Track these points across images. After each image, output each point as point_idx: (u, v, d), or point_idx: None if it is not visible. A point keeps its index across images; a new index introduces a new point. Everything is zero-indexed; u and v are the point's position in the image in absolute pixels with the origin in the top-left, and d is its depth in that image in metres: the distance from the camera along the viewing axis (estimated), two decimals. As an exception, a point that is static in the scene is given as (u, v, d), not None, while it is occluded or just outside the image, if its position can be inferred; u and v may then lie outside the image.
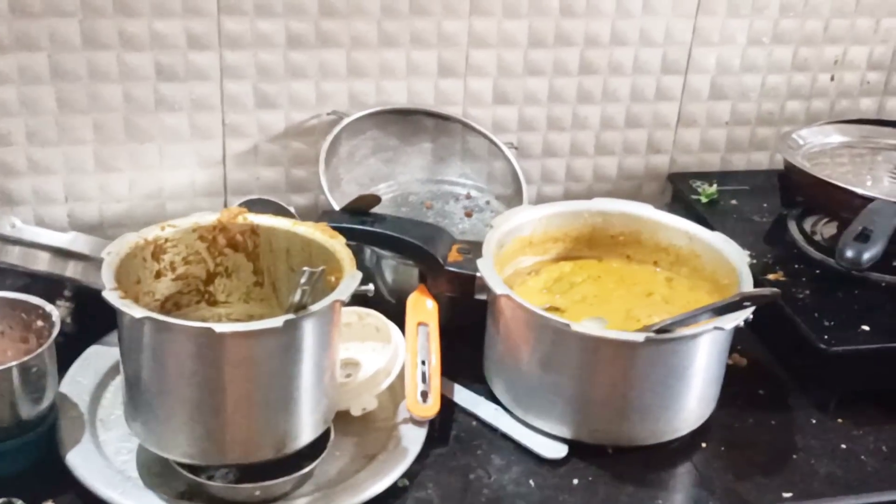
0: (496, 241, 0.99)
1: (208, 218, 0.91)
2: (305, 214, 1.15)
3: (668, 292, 1.03)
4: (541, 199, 1.26)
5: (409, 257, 1.00)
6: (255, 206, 1.12)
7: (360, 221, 0.99)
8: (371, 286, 0.86)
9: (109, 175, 1.14)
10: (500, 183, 1.19)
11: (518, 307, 0.90)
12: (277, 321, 0.76)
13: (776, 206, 1.22)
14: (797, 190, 1.16)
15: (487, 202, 1.18)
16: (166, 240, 0.88)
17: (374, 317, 1.00)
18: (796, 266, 1.10)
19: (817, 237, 1.16)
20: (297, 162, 1.19)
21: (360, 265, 0.88)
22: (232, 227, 0.91)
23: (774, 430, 0.97)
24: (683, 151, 1.30)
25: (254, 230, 0.91)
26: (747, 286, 0.93)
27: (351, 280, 0.82)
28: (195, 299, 0.93)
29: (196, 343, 0.76)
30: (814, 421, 0.98)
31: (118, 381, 0.96)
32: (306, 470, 0.84)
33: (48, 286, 0.97)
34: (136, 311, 0.75)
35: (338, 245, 0.88)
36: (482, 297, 0.97)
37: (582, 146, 1.26)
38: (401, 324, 0.98)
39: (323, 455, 0.86)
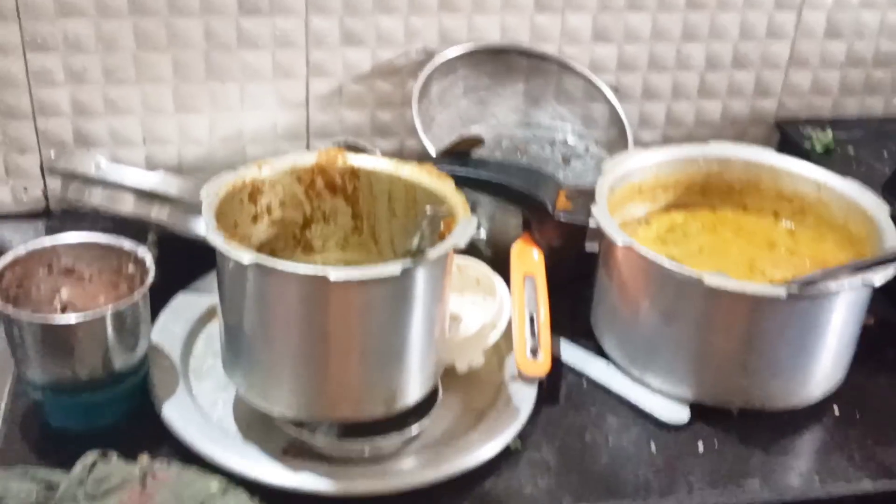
0: (608, 187, 0.92)
1: (307, 158, 0.84)
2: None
3: (792, 243, 0.95)
4: (638, 146, 1.18)
5: (515, 204, 0.93)
6: (340, 149, 1.06)
7: (461, 165, 0.93)
8: (483, 232, 0.79)
9: (189, 116, 1.08)
10: (598, 127, 1.11)
11: (641, 258, 0.83)
12: (395, 268, 0.69)
13: (896, 152, 1.14)
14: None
15: (587, 148, 1.11)
16: (264, 181, 0.82)
17: (475, 267, 0.93)
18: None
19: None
20: (382, 104, 1.12)
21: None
22: (331, 168, 0.85)
23: (907, 394, 0.90)
24: (792, 95, 1.21)
25: (354, 172, 0.85)
26: (892, 240, 0.85)
27: (467, 224, 0.76)
28: (290, 245, 0.87)
29: (308, 290, 0.70)
30: (949, 384, 0.91)
31: (210, 330, 0.91)
32: (417, 431, 0.78)
33: (132, 230, 0.92)
34: (245, 256, 0.69)
35: (447, 188, 0.81)
36: (593, 247, 0.91)
37: (684, 88, 1.18)
38: (500, 275, 0.91)
39: (432, 413, 0.80)
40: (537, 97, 1.12)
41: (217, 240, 0.71)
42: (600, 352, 0.92)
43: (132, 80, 1.05)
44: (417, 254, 0.71)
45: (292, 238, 0.87)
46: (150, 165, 1.09)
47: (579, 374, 0.90)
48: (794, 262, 0.92)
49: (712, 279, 0.79)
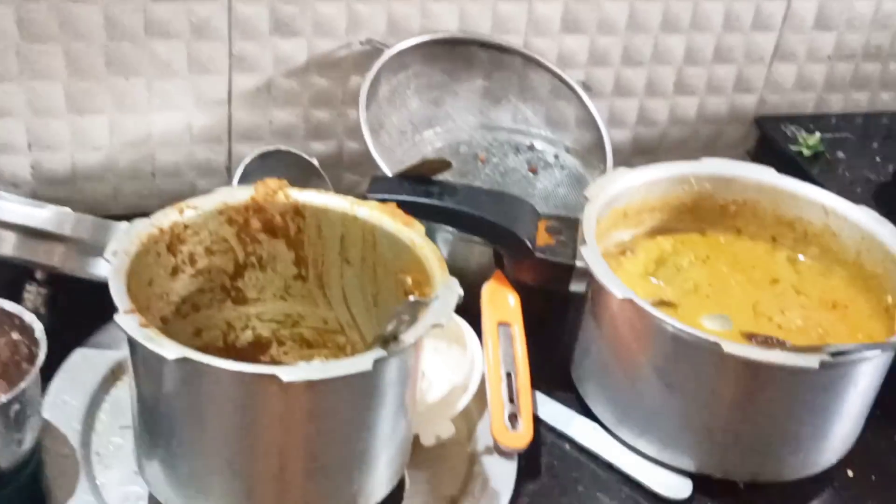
0: (595, 220, 0.79)
1: (239, 195, 0.68)
2: (328, 167, 0.93)
3: (796, 279, 0.84)
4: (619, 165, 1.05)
5: (489, 239, 0.79)
6: (270, 158, 0.90)
7: (424, 193, 0.78)
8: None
9: (84, 117, 0.90)
10: (568, 130, 0.97)
11: (643, 315, 0.70)
12: (365, 363, 0.55)
13: (888, 158, 1.04)
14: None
15: (556, 156, 0.97)
16: (185, 226, 0.66)
17: (438, 311, 0.79)
18: (935, 242, 0.92)
19: (941, 199, 0.98)
20: (319, 102, 0.96)
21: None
22: (270, 206, 0.69)
23: (928, 451, 0.80)
24: (774, 90, 1.09)
25: (298, 211, 0.69)
26: (919, 284, 0.75)
27: (448, 294, 0.61)
28: (218, 298, 0.71)
29: (251, 393, 0.55)
30: (971, 437, 0.82)
31: (116, 397, 0.75)
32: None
33: (11, 271, 0.75)
34: (169, 350, 0.54)
35: (416, 237, 0.67)
36: (579, 287, 0.78)
37: (660, 84, 1.05)
38: (467, 318, 0.78)
39: (399, 512, 0.67)
40: (499, 96, 0.97)
41: (129, 324, 0.55)
42: (583, 407, 0.79)
43: (14, 75, 0.86)
44: (391, 340, 0.56)
45: (221, 289, 0.71)
46: (38, 174, 0.91)
47: (560, 436, 0.78)
48: (802, 302, 0.81)
49: (732, 348, 0.66)
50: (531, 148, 0.97)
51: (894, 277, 0.78)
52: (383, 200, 0.73)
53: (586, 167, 0.95)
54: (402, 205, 0.73)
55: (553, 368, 0.82)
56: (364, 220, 0.69)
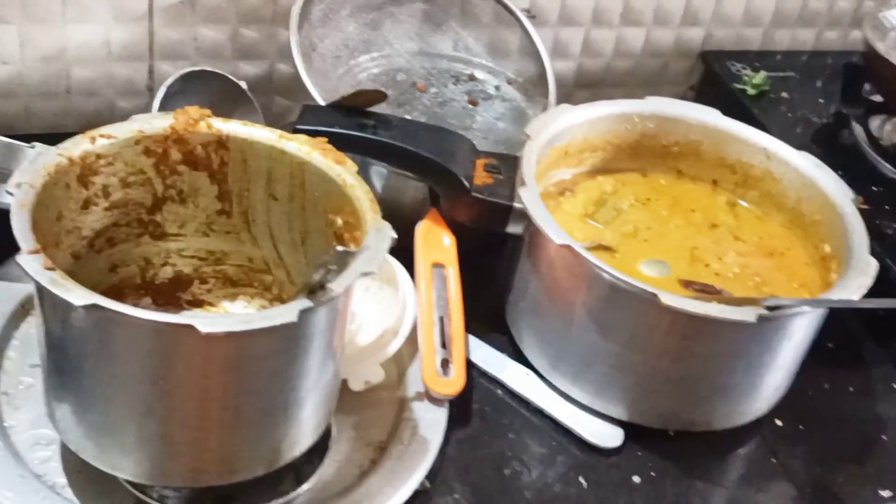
0: (535, 158, 0.76)
1: (158, 124, 0.63)
2: (257, 90, 0.88)
3: (735, 224, 0.82)
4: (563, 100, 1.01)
5: (425, 177, 0.75)
6: (195, 79, 0.85)
7: (357, 126, 0.74)
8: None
9: (-9, 28, 0.84)
10: (510, 60, 0.93)
11: (581, 262, 0.68)
12: (290, 313, 0.51)
13: (831, 99, 1.02)
14: (877, 86, 0.96)
15: (497, 87, 0.93)
16: (98, 156, 0.61)
17: (370, 249, 0.76)
18: (874, 189, 0.91)
19: (885, 143, 0.96)
20: (248, 20, 0.90)
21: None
22: (191, 136, 0.64)
23: (854, 400, 0.80)
24: (721, 24, 1.06)
25: (221, 142, 0.65)
26: (859, 234, 0.73)
27: (379, 239, 0.58)
28: (135, 232, 0.67)
29: (167, 344, 0.51)
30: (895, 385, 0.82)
31: (25, 332, 0.71)
32: (297, 492, 0.63)
33: None
34: (77, 296, 0.50)
35: (348, 176, 0.63)
36: (517, 228, 0.75)
37: (607, 13, 1.01)
38: (399, 257, 0.75)
39: (323, 465, 0.64)
40: (439, 21, 0.93)
41: (31, 265, 0.51)
42: (517, 352, 0.78)
43: (-90, -21, 0.79)
44: (318, 289, 0.53)
45: (138, 223, 0.67)
46: (-58, 90, 0.85)
47: (492, 381, 0.76)
48: (740, 249, 0.80)
49: (670, 300, 0.64)
50: (472, 78, 0.93)
51: (832, 225, 0.77)
52: (314, 133, 0.69)
53: (528, 100, 0.91)
54: (334, 138, 0.69)
55: (488, 311, 0.80)
56: (292, 156, 0.65)
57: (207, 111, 0.65)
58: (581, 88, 1.05)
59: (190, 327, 0.50)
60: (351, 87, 0.86)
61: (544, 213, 0.70)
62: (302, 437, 0.61)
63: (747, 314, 0.64)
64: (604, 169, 0.85)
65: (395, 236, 0.58)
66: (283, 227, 0.68)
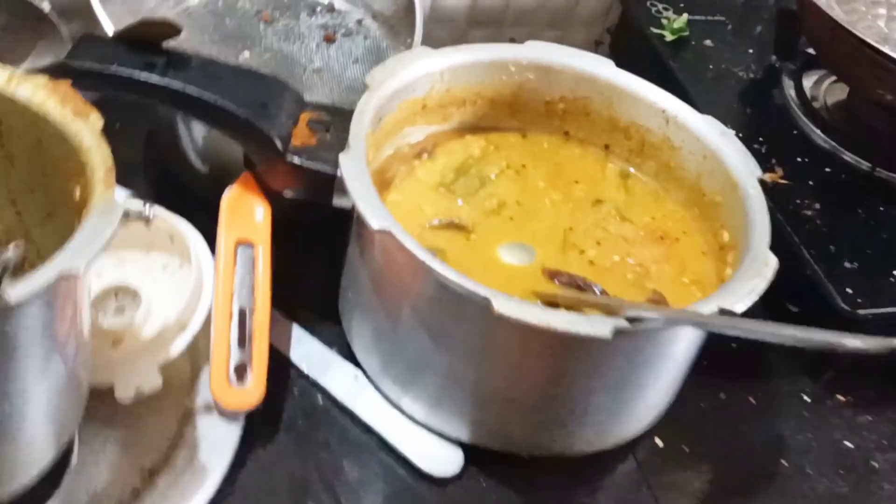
0: (373, 114, 0.61)
1: None
2: (69, 12, 0.73)
3: (625, 198, 0.68)
4: (435, 18, 0.86)
5: (229, 133, 0.60)
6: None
7: (142, 65, 0.58)
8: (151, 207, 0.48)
9: None
10: (378, -9, 0.78)
11: (404, 252, 0.54)
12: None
13: (764, 51, 0.88)
14: (813, 40, 0.82)
15: (360, 21, 0.77)
16: None
17: (165, 219, 0.62)
18: (799, 160, 0.77)
19: (818, 104, 0.82)
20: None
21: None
22: None
23: (755, 415, 0.68)
24: (643, -43, 0.91)
25: (-67, 84, 0.50)
26: (760, 223, 0.60)
27: (101, 224, 0.44)
28: None
29: None
30: (806, 398, 0.70)
31: None
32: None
33: None
34: None
35: (87, 134, 0.48)
36: (344, 202, 0.61)
37: (504, -62, 0.86)
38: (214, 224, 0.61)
39: (58, 495, 0.51)
40: (292, -62, 0.77)
41: None
42: (348, 350, 0.64)
43: None
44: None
45: None
46: None
47: (314, 385, 0.63)
48: (625, 231, 0.66)
49: (504, 306, 0.51)
50: (331, 9, 0.78)
51: (732, 208, 0.63)
52: (81, 73, 0.55)
53: (393, 39, 0.76)
54: (111, 80, 0.55)
55: (321, 296, 0.66)
56: (25, 105, 0.50)
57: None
58: (476, 27, 0.90)
59: None
60: (174, 15, 0.71)
61: (363, 185, 0.55)
62: (17, 472, 0.47)
63: (601, 328, 0.50)
64: (476, 127, 0.71)
65: (122, 206, 0.44)
66: (26, 195, 0.53)
